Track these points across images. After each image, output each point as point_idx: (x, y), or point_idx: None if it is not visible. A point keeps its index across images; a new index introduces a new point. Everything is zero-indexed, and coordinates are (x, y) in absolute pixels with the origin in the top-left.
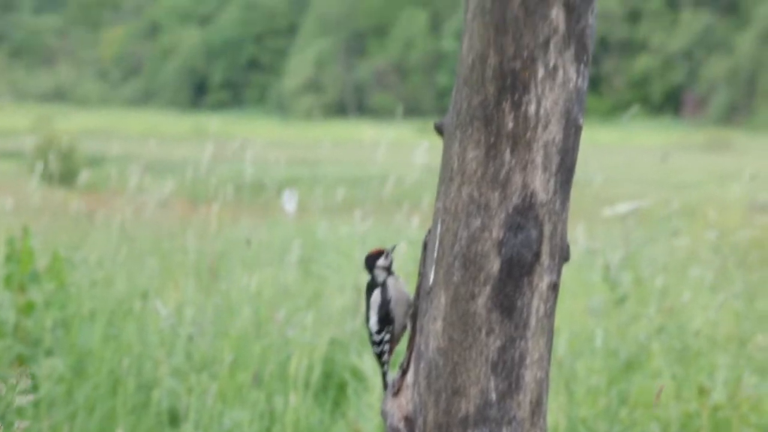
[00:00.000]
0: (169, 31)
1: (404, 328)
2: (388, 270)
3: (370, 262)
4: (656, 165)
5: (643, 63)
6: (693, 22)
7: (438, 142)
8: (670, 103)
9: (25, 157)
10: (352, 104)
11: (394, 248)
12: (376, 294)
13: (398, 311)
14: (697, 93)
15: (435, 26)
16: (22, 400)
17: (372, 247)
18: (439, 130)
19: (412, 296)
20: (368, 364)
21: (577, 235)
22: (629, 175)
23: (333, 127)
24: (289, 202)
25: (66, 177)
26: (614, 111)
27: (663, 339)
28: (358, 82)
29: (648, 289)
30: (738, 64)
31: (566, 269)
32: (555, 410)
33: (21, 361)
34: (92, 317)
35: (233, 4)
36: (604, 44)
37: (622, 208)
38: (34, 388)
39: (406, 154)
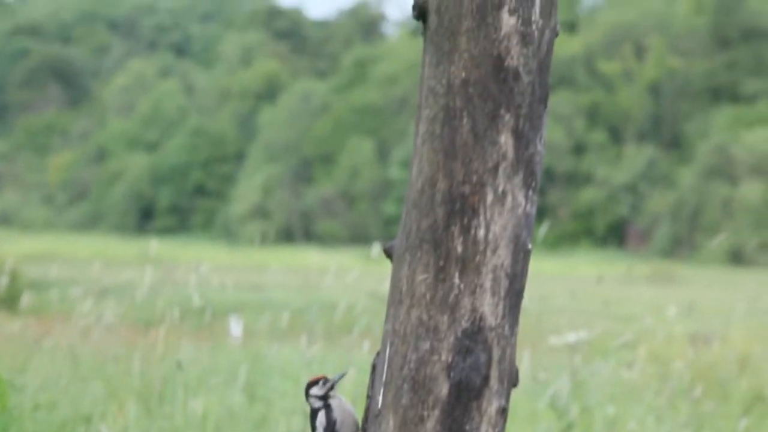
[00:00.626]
0: (116, 157)
1: None
2: (323, 398)
3: (306, 389)
4: (601, 295)
5: (587, 195)
6: (637, 156)
7: (385, 269)
8: (615, 235)
9: None
10: (299, 230)
11: (340, 377)
12: (321, 416)
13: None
14: (641, 226)
15: (382, 154)
16: None
17: (318, 372)
18: (389, 253)
19: (359, 417)
20: None
21: (524, 362)
22: (574, 305)
23: (280, 253)
24: (236, 326)
25: (9, 300)
26: (560, 242)
27: None
28: (305, 208)
29: (594, 418)
30: (681, 199)
31: (512, 395)
32: None
33: None
34: None
35: (181, 131)
36: (549, 176)
37: (569, 337)
38: None
39: (353, 279)
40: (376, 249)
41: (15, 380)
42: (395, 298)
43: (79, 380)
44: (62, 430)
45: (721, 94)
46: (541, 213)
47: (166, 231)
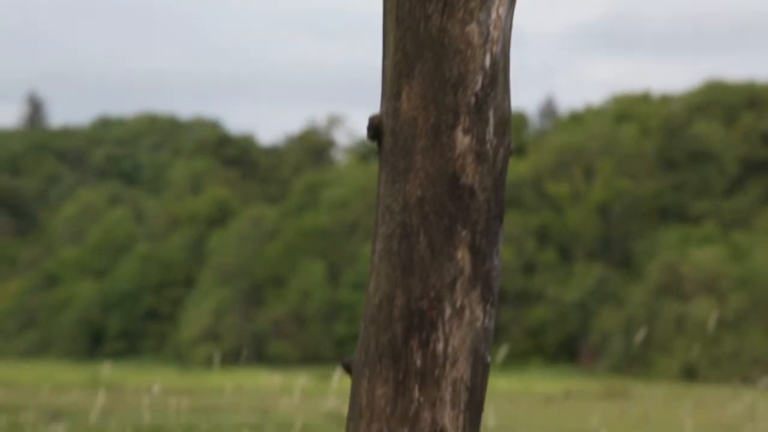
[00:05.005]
0: (65, 284)
1: None
2: None
3: None
4: (556, 412)
5: (538, 313)
6: (586, 274)
7: (337, 390)
8: (566, 351)
9: None
10: (250, 352)
11: None
12: None
13: None
14: (592, 343)
15: (332, 276)
16: None
17: None
18: (347, 368)
19: None
20: None
21: None
22: (530, 421)
23: (232, 375)
24: None
25: None
26: (512, 359)
27: None
28: (256, 330)
29: None
30: (631, 316)
31: None
32: None
33: None
34: None
35: (130, 256)
36: (501, 294)
37: None
38: None
39: (306, 400)
40: (332, 371)
41: None
42: (355, 413)
43: None
44: None
45: (669, 214)
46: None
47: (117, 355)
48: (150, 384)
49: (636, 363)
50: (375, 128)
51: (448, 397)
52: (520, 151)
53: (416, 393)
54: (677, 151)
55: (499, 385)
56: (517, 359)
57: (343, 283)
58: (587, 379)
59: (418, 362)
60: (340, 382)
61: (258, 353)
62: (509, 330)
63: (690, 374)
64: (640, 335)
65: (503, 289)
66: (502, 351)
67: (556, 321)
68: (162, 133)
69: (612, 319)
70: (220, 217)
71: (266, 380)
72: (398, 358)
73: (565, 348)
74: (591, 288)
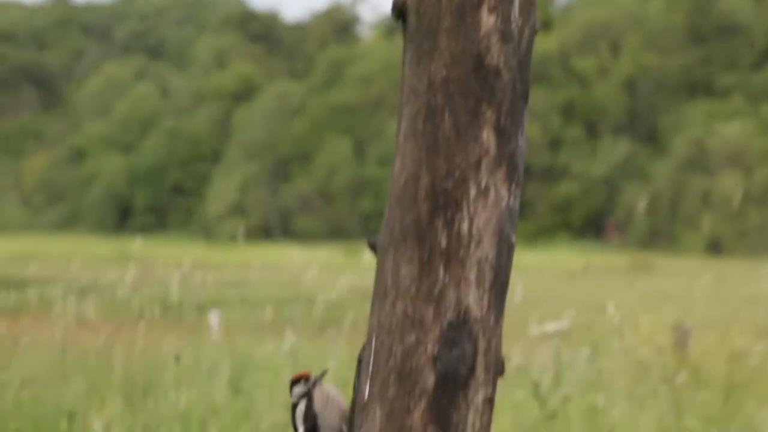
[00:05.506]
0: (92, 158)
1: None
2: (306, 396)
3: (290, 386)
4: (581, 285)
5: (564, 189)
6: (612, 150)
7: (364, 264)
8: (592, 227)
9: None
10: (277, 228)
11: (322, 375)
12: (302, 405)
13: (327, 421)
14: (618, 218)
15: (359, 152)
16: None
17: (300, 365)
18: (373, 247)
19: (344, 403)
20: None
21: (507, 352)
22: (556, 295)
23: (259, 250)
24: (216, 321)
25: None
26: (538, 234)
27: None
28: (282, 206)
29: (576, 407)
30: (657, 191)
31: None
32: None
33: None
34: None
35: (156, 131)
36: (527, 170)
37: (550, 327)
38: None
39: (331, 275)
40: (357, 245)
41: None
42: (380, 292)
43: (61, 376)
44: (45, 426)
45: (696, 88)
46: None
47: (145, 230)
48: (178, 258)
49: (661, 238)
50: (399, 8)
51: (473, 277)
52: (547, 26)
53: (441, 273)
54: (705, 25)
55: (525, 260)
56: (543, 235)
57: (368, 158)
58: (612, 253)
59: (443, 242)
60: (366, 257)
61: (284, 228)
62: (535, 206)
63: (715, 248)
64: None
65: (529, 165)
66: (528, 227)
67: (582, 196)
68: (186, 9)
69: (637, 194)
70: (245, 93)
71: (292, 255)
72: (423, 238)
73: (590, 223)
74: (617, 163)
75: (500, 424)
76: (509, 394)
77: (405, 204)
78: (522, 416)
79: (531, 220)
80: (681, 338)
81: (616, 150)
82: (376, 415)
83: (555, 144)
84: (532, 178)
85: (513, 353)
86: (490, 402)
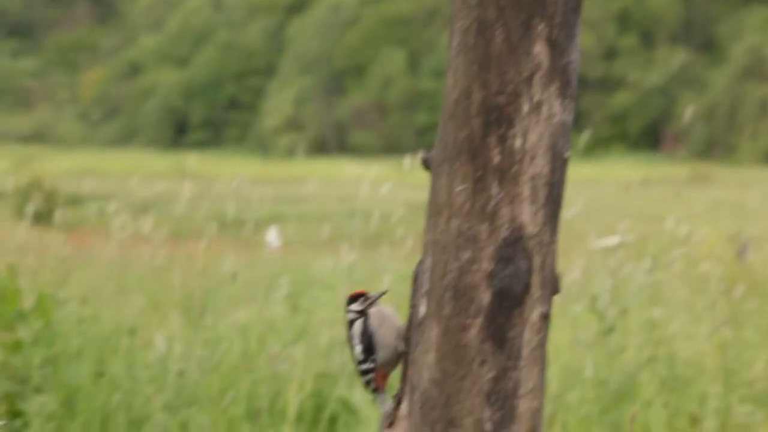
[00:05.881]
0: (147, 72)
1: (395, 355)
2: (362, 314)
3: (347, 302)
4: (639, 198)
5: (620, 99)
6: (669, 59)
7: (420, 179)
8: (648, 137)
9: (5, 197)
10: (332, 142)
11: (380, 295)
12: (359, 324)
13: (384, 340)
14: (675, 128)
15: (413, 65)
16: None
17: (357, 281)
18: (426, 164)
19: (399, 322)
20: (359, 396)
21: (563, 268)
22: (612, 208)
23: (314, 165)
24: (274, 238)
25: (47, 216)
26: (594, 146)
27: (652, 368)
28: (338, 120)
29: (634, 320)
30: (715, 100)
31: (553, 300)
32: None
33: (9, 398)
34: (80, 354)
35: (210, 45)
36: (582, 81)
37: (608, 240)
38: (24, 426)
39: (391, 190)
40: (409, 160)
41: (57, 294)
42: (434, 209)
43: (121, 293)
44: (106, 342)
45: None
46: (575, 119)
47: (200, 145)
48: (234, 174)
49: (719, 148)
50: None
51: (526, 192)
52: None
53: (495, 189)
54: None
55: (580, 172)
56: (599, 146)
57: (423, 71)
58: (670, 164)
59: (496, 158)
60: (421, 172)
61: (339, 142)
62: (591, 117)
63: None
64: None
65: (584, 75)
66: (583, 138)
67: (638, 107)
68: None
69: (694, 103)
70: (298, 5)
71: (348, 170)
72: (476, 154)
73: (647, 134)
74: (673, 72)
75: (558, 339)
76: (567, 308)
77: (457, 120)
78: (580, 331)
79: (586, 131)
80: (740, 249)
81: (672, 59)
82: (432, 332)
83: (610, 54)
84: (587, 89)
85: (570, 268)
86: (545, 318)
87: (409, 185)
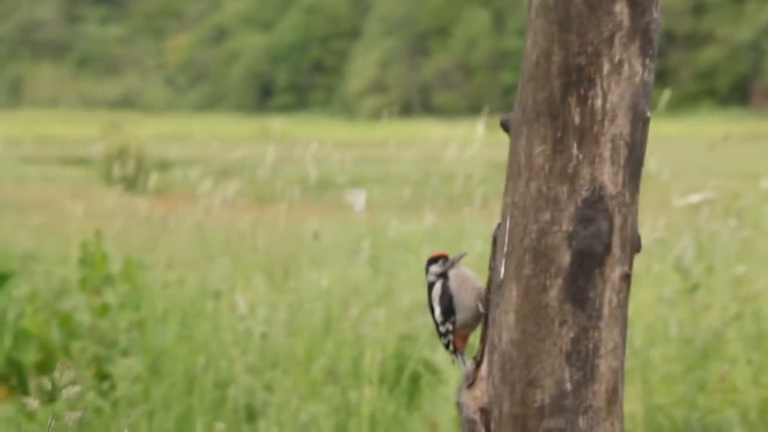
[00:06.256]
0: (233, 37)
1: (474, 316)
2: (442, 276)
3: (426, 265)
4: (726, 154)
5: (708, 55)
6: (758, 13)
7: (504, 139)
8: (737, 93)
9: (94, 163)
10: (417, 103)
11: (460, 257)
12: (438, 285)
13: (463, 301)
14: (765, 83)
15: (497, 24)
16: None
17: (440, 244)
18: (505, 126)
19: (479, 284)
20: (441, 357)
21: (647, 226)
22: (699, 165)
23: (399, 127)
24: (357, 200)
25: (135, 181)
26: (681, 103)
27: (738, 326)
28: (422, 81)
29: (719, 278)
30: None
31: (637, 259)
32: (632, 399)
33: (97, 361)
34: (165, 317)
35: (295, 9)
36: (669, 37)
37: (693, 198)
38: (112, 388)
39: (474, 151)
40: (482, 123)
41: (144, 259)
42: (513, 171)
43: (205, 257)
44: (192, 305)
45: None
46: (662, 75)
47: (286, 109)
48: (319, 137)
49: None
50: None
51: (607, 153)
52: None
53: (575, 150)
54: None
55: (667, 129)
56: (687, 103)
57: (507, 30)
58: (759, 120)
59: (576, 119)
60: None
61: (424, 104)
62: (678, 73)
63: None
64: None
65: (671, 31)
66: (666, 96)
67: (727, 62)
68: None
69: None
70: None
71: (433, 131)
72: (556, 115)
73: (736, 90)
74: (763, 27)
75: (642, 298)
76: (651, 267)
77: (537, 81)
78: (664, 289)
79: (674, 88)
80: None
81: (761, 13)
82: (512, 293)
83: (698, 8)
84: (674, 45)
85: (655, 225)
86: (626, 278)
87: (493, 145)
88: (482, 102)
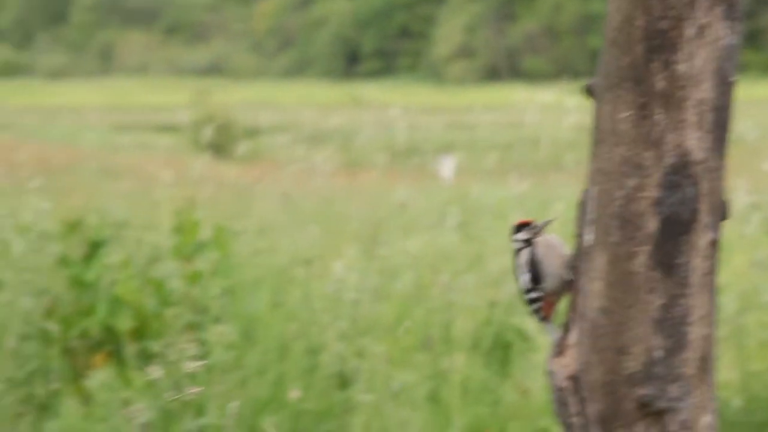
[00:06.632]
0: (319, 2)
1: (561, 284)
2: (528, 243)
3: (513, 231)
4: None
5: None
6: None
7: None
8: None
9: (183, 130)
10: (504, 68)
11: (546, 224)
12: (525, 252)
13: (549, 269)
14: None
15: None
16: (193, 366)
17: (528, 210)
18: (589, 91)
19: (565, 251)
20: (532, 323)
21: (738, 190)
22: None
23: (486, 92)
24: (446, 166)
25: (224, 148)
26: None
27: None
28: (509, 46)
29: None
30: None
31: (728, 224)
32: (727, 366)
33: (190, 328)
34: (257, 285)
35: None
36: None
37: None
38: (205, 355)
39: (560, 116)
40: (571, 86)
41: (235, 226)
42: (598, 137)
43: (295, 223)
44: (282, 273)
45: None
46: (754, 37)
47: (372, 74)
48: (406, 102)
49: None
50: None
51: (692, 118)
52: None
53: (659, 115)
54: None
55: (758, 91)
56: None
57: None
58: None
59: (660, 84)
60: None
61: (511, 68)
62: None
63: None
64: None
65: None
66: (762, 57)
67: None
68: None
69: None
70: None
71: (520, 96)
72: (640, 80)
73: None
74: None
75: (734, 262)
76: (742, 231)
77: (620, 47)
78: (757, 253)
79: (765, 49)
80: None
81: None
82: (599, 260)
83: None
84: (765, 6)
85: (745, 189)
86: (714, 245)
87: (582, 110)
88: (570, 66)
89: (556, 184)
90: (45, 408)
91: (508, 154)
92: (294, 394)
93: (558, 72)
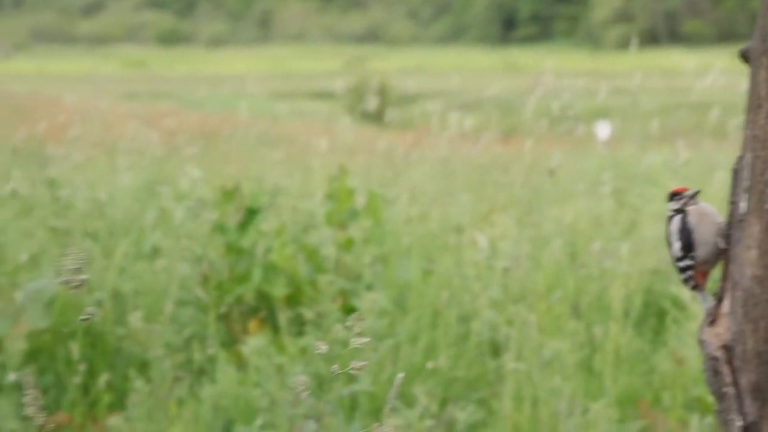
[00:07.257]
0: None
1: (714, 252)
2: (681, 212)
3: (667, 199)
4: None
5: None
6: None
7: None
8: None
9: (337, 97)
10: (663, 32)
11: (695, 193)
12: (677, 220)
13: (702, 237)
14: None
15: None
16: (359, 342)
17: (687, 177)
18: (745, 56)
19: (719, 219)
20: (688, 292)
21: None
22: None
23: (645, 57)
24: (602, 132)
25: (378, 115)
26: None
27: None
28: (669, 9)
29: None
30: None
31: None
32: None
33: (343, 295)
34: (409, 252)
35: None
36: None
37: None
38: (359, 321)
39: (722, 81)
40: (733, 50)
41: (387, 193)
42: (753, 103)
43: (447, 191)
44: (433, 240)
45: None
46: None
47: (529, 40)
48: (563, 68)
49: None
50: None
51: None
52: None
53: None
54: None
55: None
56: None
57: None
58: None
59: None
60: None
61: (671, 33)
62: None
63: None
64: None
65: None
66: None
67: None
68: None
69: None
70: None
71: (680, 60)
72: None
73: None
74: None
75: None
76: None
77: None
78: None
79: None
80: None
81: None
82: (754, 228)
83: None
84: None
85: None
86: None
87: (744, 75)
88: (732, 30)
89: (718, 150)
90: (202, 373)
91: (667, 120)
92: (442, 362)
93: (720, 36)
